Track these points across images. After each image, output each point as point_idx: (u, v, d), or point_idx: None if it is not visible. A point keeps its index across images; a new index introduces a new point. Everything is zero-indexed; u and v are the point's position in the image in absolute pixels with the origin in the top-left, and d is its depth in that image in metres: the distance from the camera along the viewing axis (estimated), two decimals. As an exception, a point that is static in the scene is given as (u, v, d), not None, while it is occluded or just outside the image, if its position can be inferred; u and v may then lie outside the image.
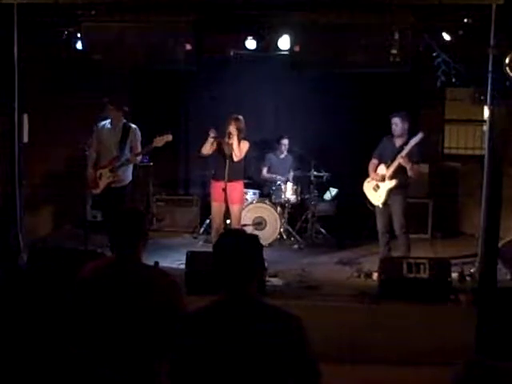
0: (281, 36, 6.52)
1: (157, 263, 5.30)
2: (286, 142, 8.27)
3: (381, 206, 6.29)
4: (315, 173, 7.87)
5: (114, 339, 2.74)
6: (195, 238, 8.04)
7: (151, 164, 8.40)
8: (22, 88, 5.82)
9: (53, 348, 4.01)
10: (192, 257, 5.58)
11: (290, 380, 2.27)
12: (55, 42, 6.70)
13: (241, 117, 6.43)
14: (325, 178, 7.90)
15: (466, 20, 5.93)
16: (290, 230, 8.01)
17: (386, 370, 4.79)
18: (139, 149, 6.60)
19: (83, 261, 3.19)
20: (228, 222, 6.65)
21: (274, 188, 7.96)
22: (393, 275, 5.41)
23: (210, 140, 6.40)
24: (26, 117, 6.08)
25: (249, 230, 6.98)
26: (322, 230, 8.08)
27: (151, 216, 8.38)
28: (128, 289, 2.78)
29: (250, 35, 6.60)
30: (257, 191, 8.24)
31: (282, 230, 7.86)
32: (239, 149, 6.38)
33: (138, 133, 6.64)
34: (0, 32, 5.66)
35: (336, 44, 6.34)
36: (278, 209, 7.88)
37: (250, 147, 6.59)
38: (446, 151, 8.67)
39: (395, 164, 6.15)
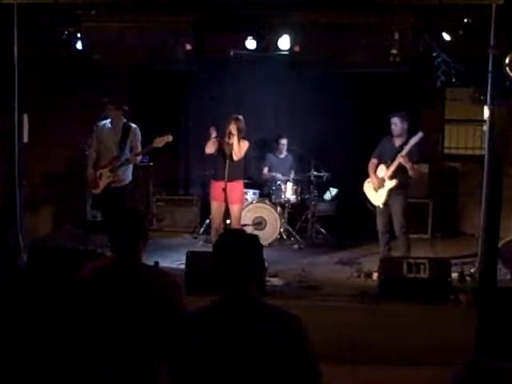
0: (281, 36, 6.52)
1: (157, 263, 5.30)
2: (284, 141, 8.27)
3: (381, 206, 6.29)
4: (315, 173, 7.87)
5: (114, 339, 2.74)
6: (195, 237, 8.04)
7: (151, 164, 8.40)
8: (21, 88, 5.82)
9: (53, 348, 4.01)
10: (192, 257, 5.58)
11: (290, 380, 2.27)
12: (55, 42, 6.70)
13: (241, 117, 6.44)
14: (325, 178, 7.90)
15: (466, 20, 5.93)
16: (290, 230, 8.01)
17: (386, 370, 4.79)
18: (139, 148, 6.60)
19: (83, 261, 3.19)
20: (228, 221, 6.65)
21: (274, 188, 7.96)
22: (393, 275, 5.41)
23: (213, 139, 6.40)
24: (25, 117, 6.08)
25: (249, 229, 6.98)
26: (322, 230, 8.08)
27: (151, 216, 8.38)
28: (128, 289, 2.78)
29: (250, 35, 6.60)
30: (257, 191, 8.25)
31: (282, 229, 7.86)
32: (239, 148, 6.39)
33: (138, 132, 6.64)
34: (0, 32, 5.66)
35: (336, 44, 6.34)
36: (278, 209, 7.88)
37: (249, 147, 6.59)
38: (446, 151, 8.67)
39: (395, 164, 6.15)
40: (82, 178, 6.73)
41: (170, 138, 6.38)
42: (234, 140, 6.34)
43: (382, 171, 6.29)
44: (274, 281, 5.86)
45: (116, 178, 6.55)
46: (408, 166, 6.08)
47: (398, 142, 6.29)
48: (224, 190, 6.27)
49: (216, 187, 6.46)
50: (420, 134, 6.10)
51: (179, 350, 2.33)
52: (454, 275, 5.59)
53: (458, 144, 8.54)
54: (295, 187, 7.93)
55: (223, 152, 6.40)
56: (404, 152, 6.09)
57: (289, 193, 7.88)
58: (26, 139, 6.12)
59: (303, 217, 8.11)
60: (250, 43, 6.64)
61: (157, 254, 6.21)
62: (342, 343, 4.99)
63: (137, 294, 2.76)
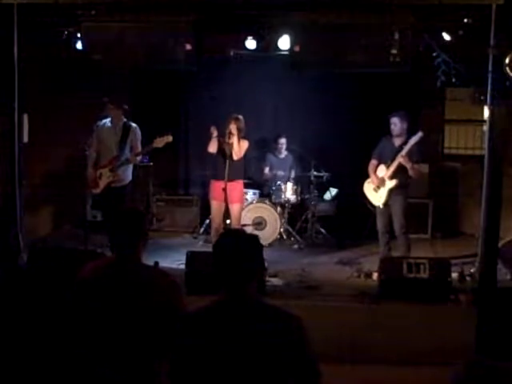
0: (281, 36, 6.52)
1: (157, 263, 5.29)
2: (283, 141, 8.27)
3: (381, 206, 6.29)
4: (315, 173, 7.87)
5: (114, 339, 2.74)
6: (195, 237, 8.04)
7: (151, 164, 8.41)
8: (22, 88, 5.82)
9: (53, 348, 4.01)
10: (192, 257, 5.58)
11: (290, 380, 2.27)
12: (55, 42, 6.70)
13: (241, 116, 6.44)
14: (325, 177, 7.90)
15: (466, 20, 5.93)
16: (290, 230, 8.01)
17: (386, 370, 4.79)
18: (139, 148, 6.60)
19: (83, 261, 3.19)
20: (228, 221, 6.65)
21: (274, 188, 7.96)
22: (393, 275, 5.41)
23: (215, 138, 6.40)
24: (25, 117, 6.08)
25: (249, 229, 6.98)
26: (322, 230, 8.08)
27: (151, 216, 8.38)
28: (128, 289, 2.78)
29: (250, 35, 6.61)
30: (257, 191, 8.25)
31: (282, 229, 7.86)
32: (239, 148, 6.39)
33: (138, 132, 6.64)
34: (0, 32, 5.66)
35: (336, 44, 6.34)
36: (278, 209, 7.88)
37: (249, 146, 6.60)
38: (446, 151, 8.67)
39: (395, 164, 6.14)
40: (82, 178, 6.74)
41: (170, 139, 6.38)
42: (234, 140, 6.35)
43: (382, 171, 6.29)
44: (274, 281, 5.86)
45: (116, 178, 6.55)
46: (408, 165, 6.08)
47: (397, 141, 6.29)
48: (224, 189, 6.28)
49: (216, 187, 6.46)
50: (420, 134, 6.10)
51: (179, 350, 2.33)
52: (454, 275, 5.59)
53: (458, 144, 8.54)
54: (295, 187, 7.93)
55: (223, 152, 6.41)
56: (404, 152, 6.09)
57: (289, 193, 7.89)
58: (26, 139, 6.12)
59: (303, 217, 8.11)
60: (250, 43, 6.64)
61: (157, 254, 6.21)
62: (341, 343, 4.99)
63: (137, 294, 2.76)
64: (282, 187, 7.88)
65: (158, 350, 2.71)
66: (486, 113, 5.64)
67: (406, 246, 6.23)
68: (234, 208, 6.53)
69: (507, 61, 5.08)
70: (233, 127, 6.34)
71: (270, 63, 7.62)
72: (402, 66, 6.28)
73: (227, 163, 6.31)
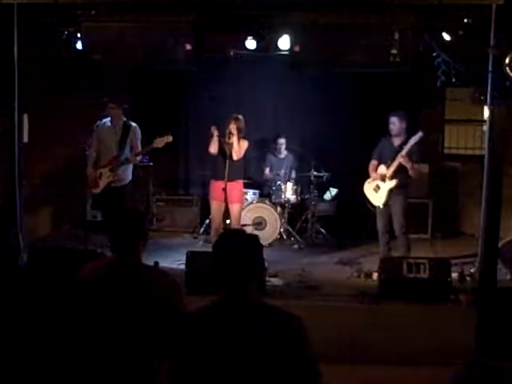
0: (281, 36, 6.52)
1: (157, 263, 5.29)
2: (282, 141, 8.27)
3: (381, 206, 6.28)
4: (315, 173, 7.87)
5: (114, 339, 2.74)
6: (195, 237, 8.04)
7: (151, 164, 8.41)
8: (22, 88, 5.82)
9: (53, 348, 4.01)
10: (192, 257, 5.58)
11: (290, 380, 2.27)
12: (55, 42, 6.70)
13: (241, 116, 6.44)
14: (325, 177, 7.90)
15: (466, 20, 5.93)
16: (290, 230, 8.01)
17: (386, 370, 4.79)
18: (139, 147, 6.60)
19: (83, 261, 3.19)
20: (228, 221, 6.65)
21: (274, 188, 7.96)
22: (393, 275, 5.41)
23: (216, 138, 6.40)
24: (25, 117, 6.08)
25: (249, 230, 6.98)
26: (322, 230, 8.08)
27: (151, 216, 8.38)
28: (128, 289, 2.78)
29: (250, 35, 6.61)
30: (257, 191, 8.25)
31: (282, 229, 7.86)
32: (239, 148, 6.40)
33: (138, 131, 6.64)
34: (0, 32, 5.66)
35: (336, 44, 6.34)
36: (278, 209, 7.88)
37: (249, 146, 6.60)
38: (446, 151, 8.67)
39: (395, 164, 6.14)
40: (82, 178, 6.74)
41: (169, 139, 6.38)
42: (234, 140, 6.35)
43: (383, 171, 6.28)
44: (274, 281, 5.86)
45: (116, 178, 6.55)
46: (408, 165, 6.08)
47: (396, 141, 6.29)
48: (224, 189, 6.28)
49: (216, 187, 6.47)
50: (420, 134, 6.10)
51: (179, 350, 2.32)
52: (454, 275, 5.59)
53: (458, 144, 8.54)
54: (295, 187, 7.93)
55: (223, 152, 6.41)
56: (404, 152, 6.09)
57: (289, 193, 7.89)
58: (26, 139, 6.12)
59: (303, 217, 8.11)
60: (250, 43, 6.64)
61: (157, 254, 6.21)
62: (342, 343, 4.99)
63: (137, 293, 2.76)
64: (282, 187, 7.88)
65: (158, 349, 2.71)
66: (486, 113, 5.64)
67: (405, 246, 6.23)
68: (234, 208, 6.53)
69: (507, 61, 5.08)
70: (233, 127, 6.34)
71: (270, 63, 7.62)
72: (402, 66, 6.28)
73: (227, 163, 6.31)
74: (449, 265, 5.49)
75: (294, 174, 8.23)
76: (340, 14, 5.99)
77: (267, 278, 5.65)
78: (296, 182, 8.01)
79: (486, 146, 5.50)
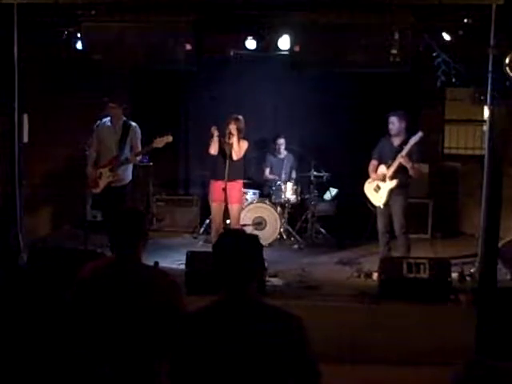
0: (281, 36, 6.52)
1: (157, 263, 5.28)
2: (281, 141, 8.27)
3: (382, 206, 6.28)
4: (315, 173, 7.87)
5: (114, 339, 2.74)
6: (195, 237, 8.04)
7: (151, 164, 8.41)
8: (22, 88, 5.82)
9: (53, 348, 4.01)
10: (192, 257, 5.58)
11: (290, 380, 2.27)
12: (55, 42, 6.70)
13: (241, 117, 6.45)
14: (325, 177, 7.90)
15: (466, 20, 5.93)
16: (290, 230, 8.01)
17: (386, 370, 4.79)
18: (139, 147, 6.60)
19: (83, 261, 3.19)
20: (228, 222, 6.65)
21: (274, 188, 7.96)
22: (393, 275, 5.41)
23: (216, 139, 6.40)
24: (26, 117, 6.08)
25: (249, 230, 6.98)
26: (322, 230, 8.08)
27: (151, 216, 8.38)
28: (128, 289, 2.78)
29: (250, 35, 6.60)
30: (257, 191, 8.25)
31: (282, 229, 7.86)
32: (239, 148, 6.40)
33: (138, 131, 6.64)
34: (0, 32, 5.66)
35: (336, 44, 6.34)
36: (278, 209, 7.88)
37: (249, 147, 6.60)
38: (446, 151, 8.67)
39: (396, 164, 6.14)
40: (82, 178, 6.73)
41: (169, 139, 6.38)
42: (234, 140, 6.35)
43: (383, 171, 6.28)
44: (274, 281, 5.86)
45: (116, 178, 6.55)
46: (408, 165, 6.08)
47: (396, 141, 6.29)
48: (224, 189, 6.28)
49: (215, 188, 6.47)
50: (420, 134, 6.09)
51: (179, 350, 2.32)
52: (454, 275, 5.59)
53: (458, 144, 8.54)
54: (295, 187, 7.93)
55: (223, 152, 6.41)
56: (404, 152, 6.09)
57: (289, 193, 7.88)
58: (26, 139, 6.12)
59: (303, 217, 8.11)
60: (250, 43, 6.64)
61: (157, 254, 6.21)
62: (342, 343, 4.99)
63: (137, 293, 2.76)
64: (282, 187, 7.88)
65: (158, 349, 2.71)
66: (486, 113, 5.64)
67: (406, 247, 6.23)
68: (233, 208, 6.53)
69: (507, 61, 5.08)
70: (232, 127, 6.34)
71: (270, 63, 7.62)
72: (402, 66, 6.28)
73: (227, 163, 6.31)
74: (449, 265, 5.49)
75: (294, 174, 8.23)
76: (340, 14, 5.99)
77: (267, 278, 5.65)
78: (296, 182, 8.01)
79: (485, 146, 5.50)
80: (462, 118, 8.43)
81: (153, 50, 6.48)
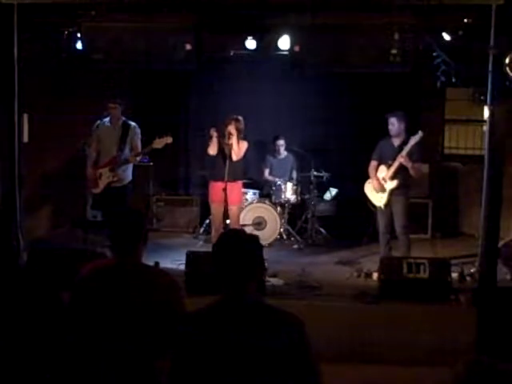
0: (281, 36, 6.51)
1: (157, 263, 5.30)
2: (281, 142, 8.27)
3: (383, 207, 6.28)
4: (315, 173, 7.87)
5: (115, 339, 2.74)
6: (195, 237, 8.03)
7: (151, 164, 8.41)
8: (22, 88, 5.82)
9: (53, 348, 4.01)
10: (192, 257, 5.58)
11: (290, 380, 2.26)
12: (55, 42, 6.69)
13: (240, 117, 6.44)
14: (325, 178, 7.90)
15: (466, 20, 5.93)
16: (290, 230, 8.01)
17: (386, 369, 4.78)
18: (139, 147, 6.60)
19: (83, 261, 3.19)
20: (228, 221, 6.65)
21: (274, 188, 7.96)
22: (393, 275, 5.41)
23: (215, 140, 6.40)
24: (25, 117, 6.08)
25: (249, 230, 6.98)
26: (322, 230, 8.08)
27: (151, 216, 8.38)
28: (128, 289, 2.77)
29: (250, 35, 6.60)
30: (257, 191, 8.25)
31: (282, 229, 7.86)
32: (238, 148, 6.40)
33: (138, 131, 6.64)
34: (0, 32, 5.66)
35: (336, 44, 6.34)
36: (278, 209, 7.88)
37: (249, 147, 6.60)
38: (446, 151, 8.67)
39: (396, 164, 6.14)
40: (82, 178, 6.73)
41: (169, 140, 6.38)
42: (234, 140, 6.35)
43: (383, 172, 6.29)
44: (274, 281, 5.86)
45: (116, 178, 6.55)
46: (408, 165, 6.09)
47: (396, 141, 6.29)
48: (224, 190, 6.28)
49: (215, 188, 6.46)
50: (420, 134, 6.10)
51: (180, 350, 2.32)
52: (454, 275, 5.59)
53: (458, 144, 8.53)
54: (295, 187, 7.93)
55: (223, 152, 6.41)
56: (404, 152, 6.09)
57: (289, 193, 7.88)
58: (26, 139, 6.12)
59: (303, 217, 8.11)
60: (250, 43, 6.63)
61: (157, 254, 6.21)
62: (341, 343, 4.99)
63: (137, 293, 2.76)
64: (282, 187, 7.88)
65: (158, 349, 2.71)
66: (486, 113, 5.64)
67: (406, 247, 6.23)
68: (233, 208, 6.53)
69: (507, 61, 5.08)
70: (232, 128, 6.34)
71: (270, 63, 7.61)
72: (402, 66, 6.28)
73: (227, 164, 6.31)
74: (449, 265, 5.49)
75: (294, 174, 8.23)
76: (340, 15, 5.99)
77: (267, 278, 5.64)
78: (296, 182, 8.01)
79: (485, 146, 5.50)
80: (462, 118, 8.43)
81: (153, 50, 6.47)
